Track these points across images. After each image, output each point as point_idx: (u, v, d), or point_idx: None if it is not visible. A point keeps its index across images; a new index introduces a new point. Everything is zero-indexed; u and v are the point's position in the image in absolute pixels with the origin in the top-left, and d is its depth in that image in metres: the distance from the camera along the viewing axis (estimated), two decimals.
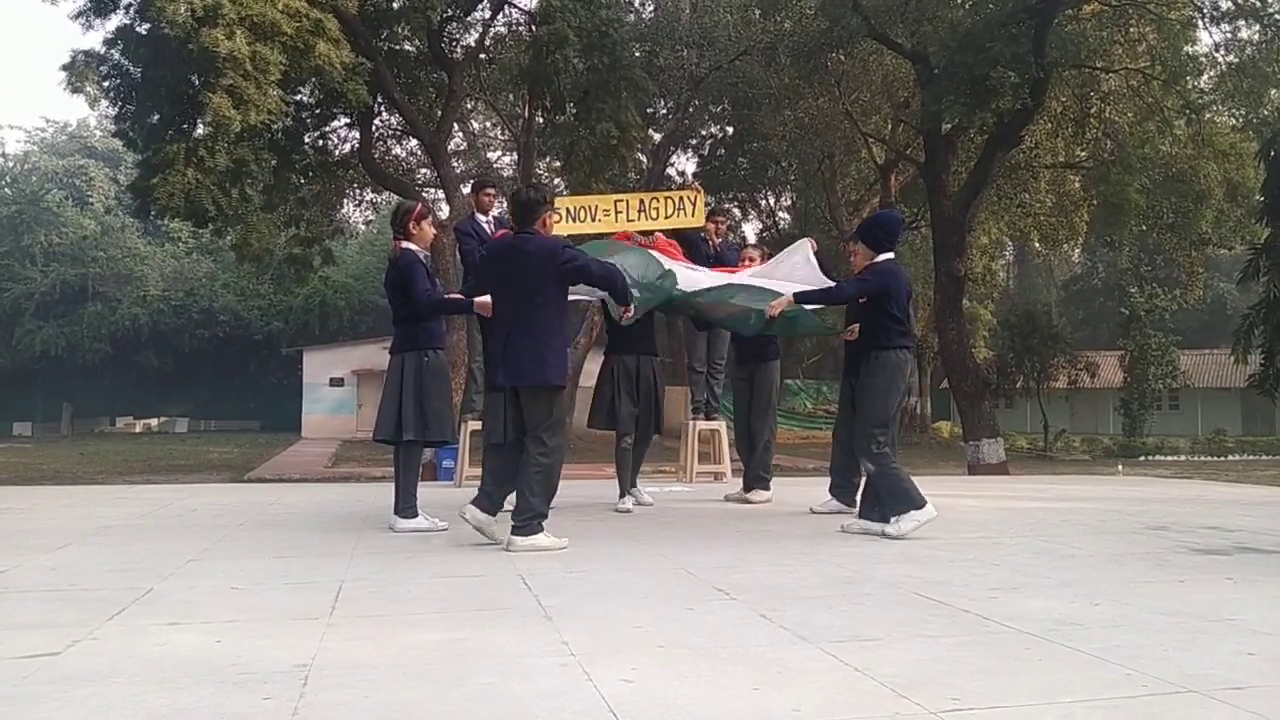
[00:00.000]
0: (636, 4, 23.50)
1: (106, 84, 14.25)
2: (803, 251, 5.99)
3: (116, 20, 13.66)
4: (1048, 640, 2.78)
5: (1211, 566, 4.13)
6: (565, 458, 4.58)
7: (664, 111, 25.11)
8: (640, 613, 3.13)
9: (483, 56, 20.13)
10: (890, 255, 5.09)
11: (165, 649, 2.68)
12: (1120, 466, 13.75)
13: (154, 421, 39.04)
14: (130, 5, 13.18)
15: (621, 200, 7.61)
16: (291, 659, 2.55)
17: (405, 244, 4.94)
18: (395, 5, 17.47)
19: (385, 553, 4.31)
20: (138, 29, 13.42)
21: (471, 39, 19.99)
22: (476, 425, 8.24)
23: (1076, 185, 22.55)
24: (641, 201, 7.51)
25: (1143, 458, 23.56)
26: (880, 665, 2.50)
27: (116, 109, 14.47)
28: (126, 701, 2.21)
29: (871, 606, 3.26)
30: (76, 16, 13.60)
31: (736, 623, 3.01)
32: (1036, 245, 30.11)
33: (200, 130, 12.80)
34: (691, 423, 8.09)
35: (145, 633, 2.86)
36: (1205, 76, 18.52)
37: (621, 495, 6.02)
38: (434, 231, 5.15)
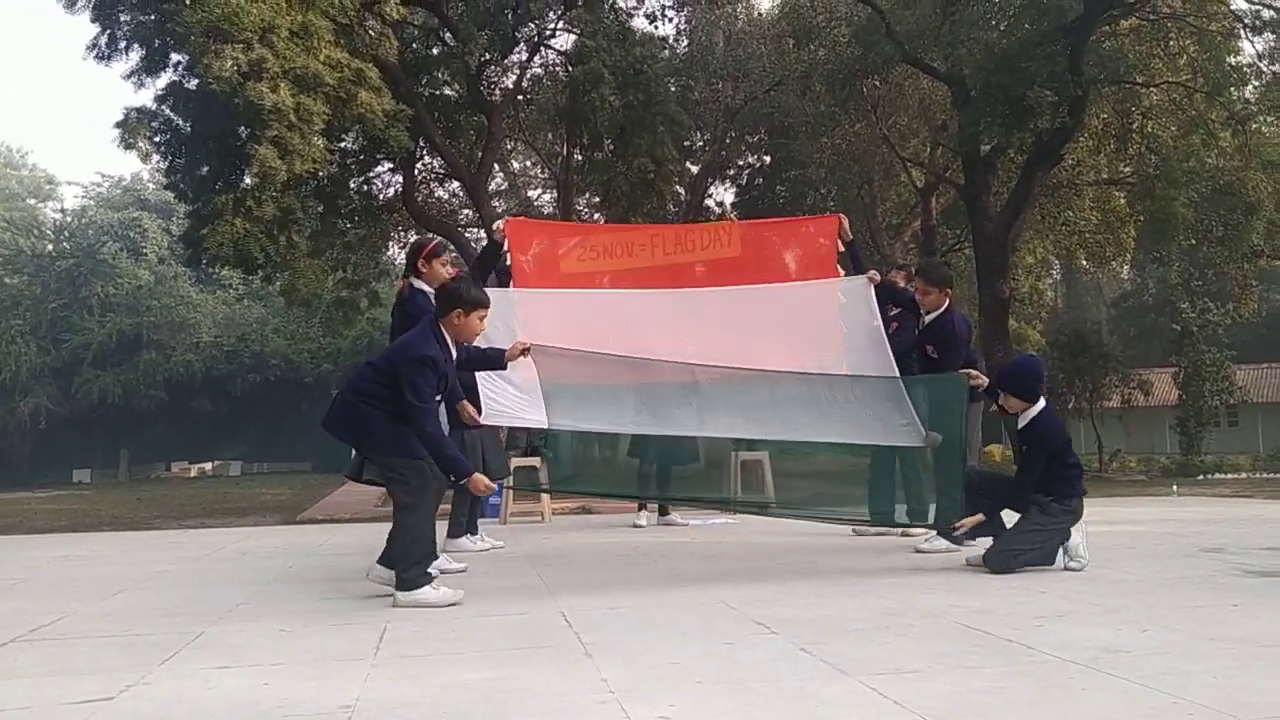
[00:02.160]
0: (670, 40, 23.75)
1: (158, 139, 14.68)
2: (863, 300, 5.53)
3: (166, 78, 14.10)
4: (1092, 669, 2.74)
5: (1266, 590, 4.03)
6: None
7: (701, 144, 25.25)
8: (679, 648, 3.14)
9: (521, 98, 20.46)
10: (1044, 403, 4.84)
11: (214, 692, 2.74)
12: (1175, 487, 13.42)
13: (208, 465, 39.77)
14: (179, 63, 13.60)
15: (658, 234, 7.64)
16: (337, 700, 2.60)
17: (416, 283, 4.87)
18: (434, 51, 17.90)
19: None
20: (186, 85, 13.83)
21: (509, 81, 20.35)
22: (522, 461, 8.37)
23: (1121, 201, 22.25)
24: (678, 234, 7.54)
25: (1201, 476, 22.91)
26: (920, 698, 2.48)
27: (167, 163, 14.90)
28: None
29: (913, 638, 3.24)
30: (128, 76, 14.05)
31: (775, 657, 3.00)
32: (1083, 263, 29.70)
33: (248, 181, 13.12)
34: (734, 454, 8.08)
35: (195, 676, 2.93)
36: (1250, 87, 18.23)
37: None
38: (449, 272, 4.94)
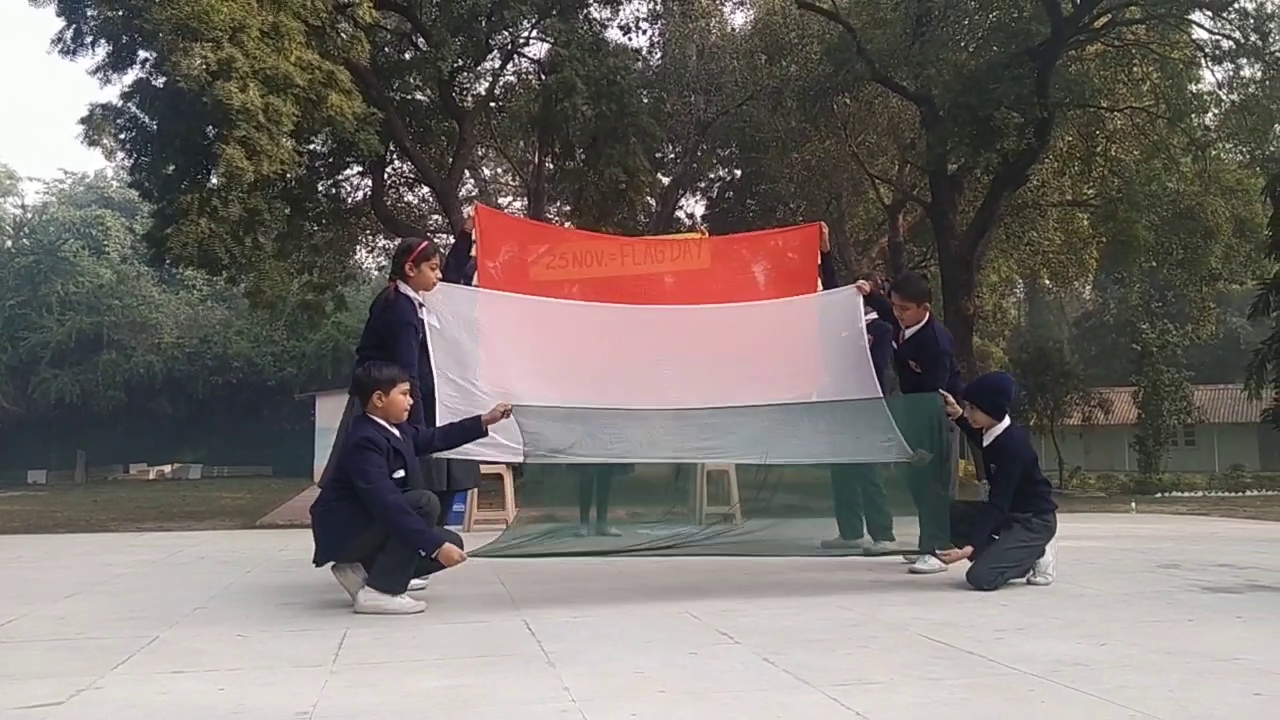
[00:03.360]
0: (644, 51, 23.86)
1: (123, 136, 14.51)
2: (849, 312, 5.45)
3: (133, 75, 13.97)
4: (1052, 681, 2.76)
5: (1221, 605, 4.09)
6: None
7: (672, 156, 25.38)
8: (642, 658, 3.12)
9: (493, 105, 20.45)
10: (1009, 421, 4.86)
11: (168, 697, 2.69)
12: (1133, 504, 13.62)
13: (168, 468, 39.21)
14: (146, 60, 13.47)
15: (628, 245, 7.60)
16: (293, 706, 2.56)
17: (403, 288, 4.59)
18: (407, 56, 17.86)
19: None
20: (154, 83, 13.70)
21: (482, 88, 20.36)
22: (485, 469, 8.28)
23: (1085, 223, 22.66)
24: (648, 246, 7.50)
25: (1159, 494, 23.28)
26: (881, 709, 2.48)
27: (132, 160, 14.73)
28: None
29: (876, 649, 3.25)
30: (95, 71, 13.89)
31: (738, 666, 3.00)
32: (1047, 283, 30.15)
33: (214, 181, 13.00)
34: (700, 464, 8.06)
35: (149, 681, 2.87)
36: (1210, 114, 18.65)
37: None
38: (436, 276, 4.70)
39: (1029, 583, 4.60)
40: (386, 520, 3.88)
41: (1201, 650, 3.18)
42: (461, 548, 4.09)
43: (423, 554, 3.98)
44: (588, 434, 4.82)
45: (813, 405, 5.24)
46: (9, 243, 41.98)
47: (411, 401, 4.22)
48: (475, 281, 5.26)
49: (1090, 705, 2.52)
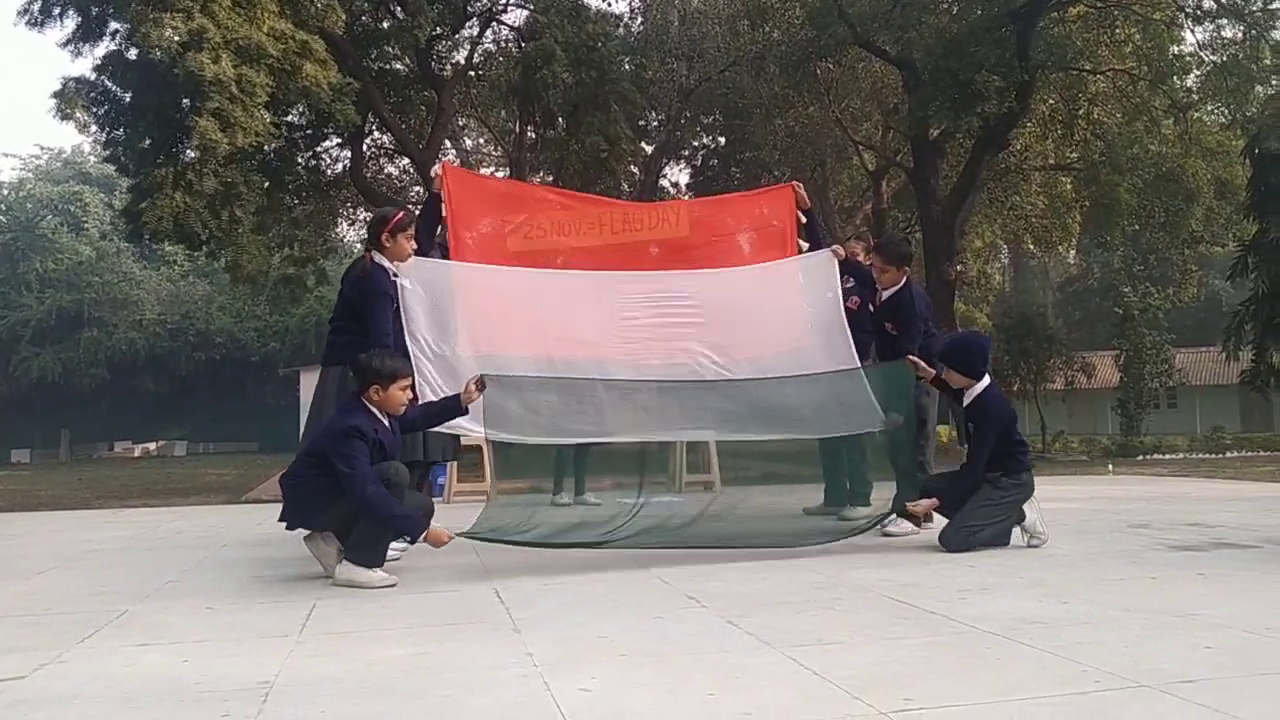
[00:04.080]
0: (625, 18, 23.64)
1: (97, 110, 14.32)
2: (826, 277, 5.43)
3: (105, 47, 13.77)
4: (1010, 639, 2.79)
5: (1185, 563, 4.14)
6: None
7: (655, 123, 25.21)
8: (608, 622, 3.15)
9: (472, 73, 20.26)
10: (989, 380, 4.85)
11: (131, 669, 2.69)
12: (1110, 466, 13.74)
13: (152, 445, 39.07)
14: (117, 32, 13.27)
15: (605, 211, 7.50)
16: (256, 676, 2.57)
17: (378, 259, 4.54)
18: (384, 25, 17.63)
19: None
20: (126, 55, 13.51)
21: (460, 56, 20.15)
22: (465, 440, 8.27)
23: (1068, 187, 22.64)
24: (625, 213, 7.42)
25: (1141, 457, 23.50)
26: (839, 668, 2.51)
27: (106, 134, 14.55)
28: None
29: (840, 610, 3.28)
30: (65, 44, 13.70)
31: (702, 630, 3.02)
32: (1031, 248, 30.17)
33: (189, 154, 12.86)
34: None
35: (114, 654, 2.88)
36: (1191, 76, 18.63)
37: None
38: (412, 246, 4.67)
39: (1029, 546, 4.61)
40: (371, 510, 3.88)
41: (1161, 607, 3.22)
42: (431, 515, 4.11)
43: (409, 541, 3.96)
44: (562, 406, 4.82)
45: (789, 378, 5.24)
46: None
47: (410, 398, 4.19)
48: (445, 241, 5.22)
49: (1044, 660, 2.56)
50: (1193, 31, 17.87)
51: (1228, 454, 25.60)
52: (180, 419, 41.05)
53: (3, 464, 34.27)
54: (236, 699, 2.37)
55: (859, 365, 5.21)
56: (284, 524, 4.14)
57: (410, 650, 2.83)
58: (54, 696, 2.44)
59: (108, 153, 15.96)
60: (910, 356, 5.02)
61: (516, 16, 19.13)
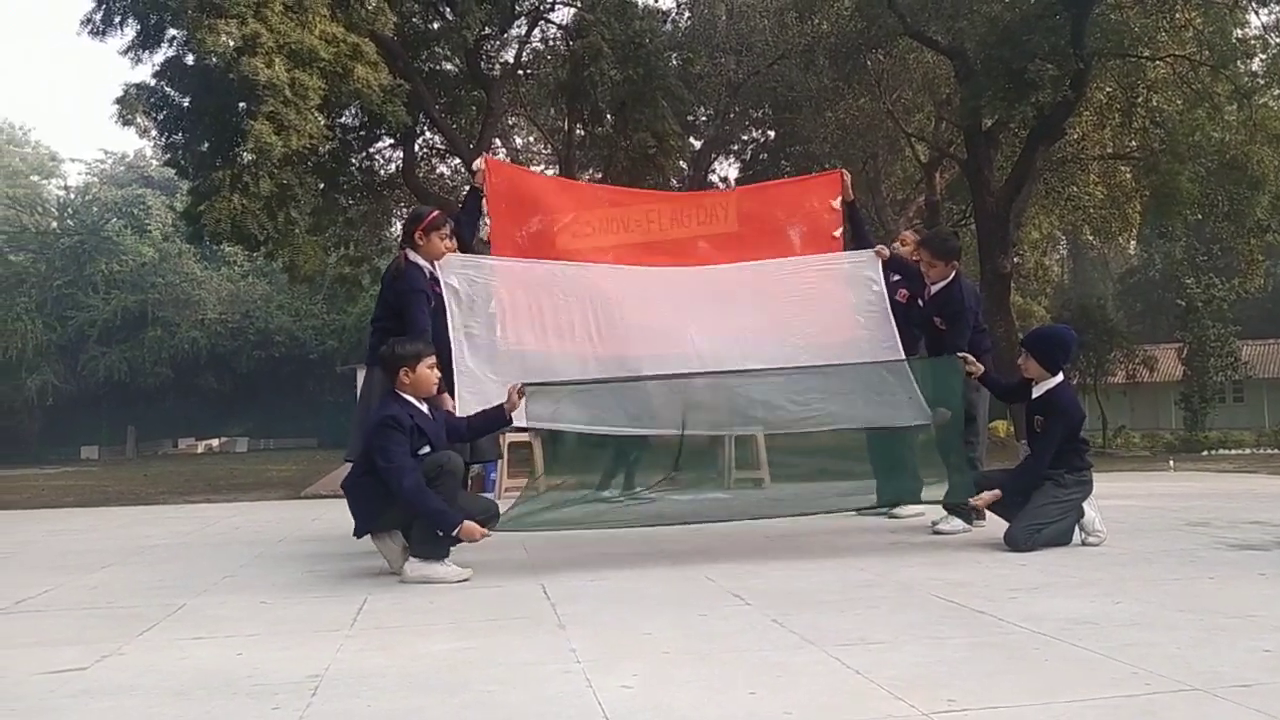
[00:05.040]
0: (672, 13, 23.59)
1: (157, 115, 14.67)
2: (871, 275, 5.42)
3: (163, 53, 14.10)
4: (1059, 640, 2.75)
5: (1245, 562, 4.03)
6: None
7: (704, 118, 25.12)
8: (652, 619, 3.16)
9: (520, 72, 20.38)
10: (1062, 377, 4.78)
11: (186, 662, 2.77)
12: (1171, 462, 13.41)
13: (215, 442, 40.00)
14: (174, 39, 13.59)
15: (653, 208, 7.48)
16: (306, 670, 2.63)
17: (412, 256, 4.58)
18: (434, 26, 17.81)
19: None
20: (184, 61, 13.83)
21: (509, 56, 20.27)
22: (515, 437, 8.33)
23: (1127, 176, 22.10)
24: (674, 209, 7.39)
25: (1206, 452, 22.93)
26: (881, 667, 2.49)
27: (166, 138, 14.90)
28: (141, 713, 2.30)
29: (886, 609, 3.25)
30: (125, 51, 14.05)
31: (745, 628, 3.02)
32: (1090, 238, 29.53)
33: (245, 157, 13.13)
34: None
35: (170, 647, 2.96)
36: (1256, 60, 18.05)
37: None
38: (448, 245, 4.71)
39: (1084, 544, 4.53)
40: (406, 500, 3.92)
41: (1214, 608, 3.15)
42: (496, 518, 4.16)
43: (441, 534, 4.00)
44: (608, 402, 4.85)
45: (835, 368, 5.20)
46: (54, 224, 42.79)
47: (439, 375, 4.25)
48: (485, 237, 5.27)
49: (1092, 662, 2.51)
50: (1257, 14, 17.33)
51: None
52: (242, 416, 41.98)
53: (73, 460, 35.34)
54: (286, 691, 2.42)
55: (904, 359, 5.16)
56: (355, 535, 4.18)
57: (455, 645, 2.87)
58: (113, 688, 2.52)
59: (167, 156, 16.33)
60: (961, 354, 4.95)
61: (564, 15, 19.20)
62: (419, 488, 3.90)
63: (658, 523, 4.66)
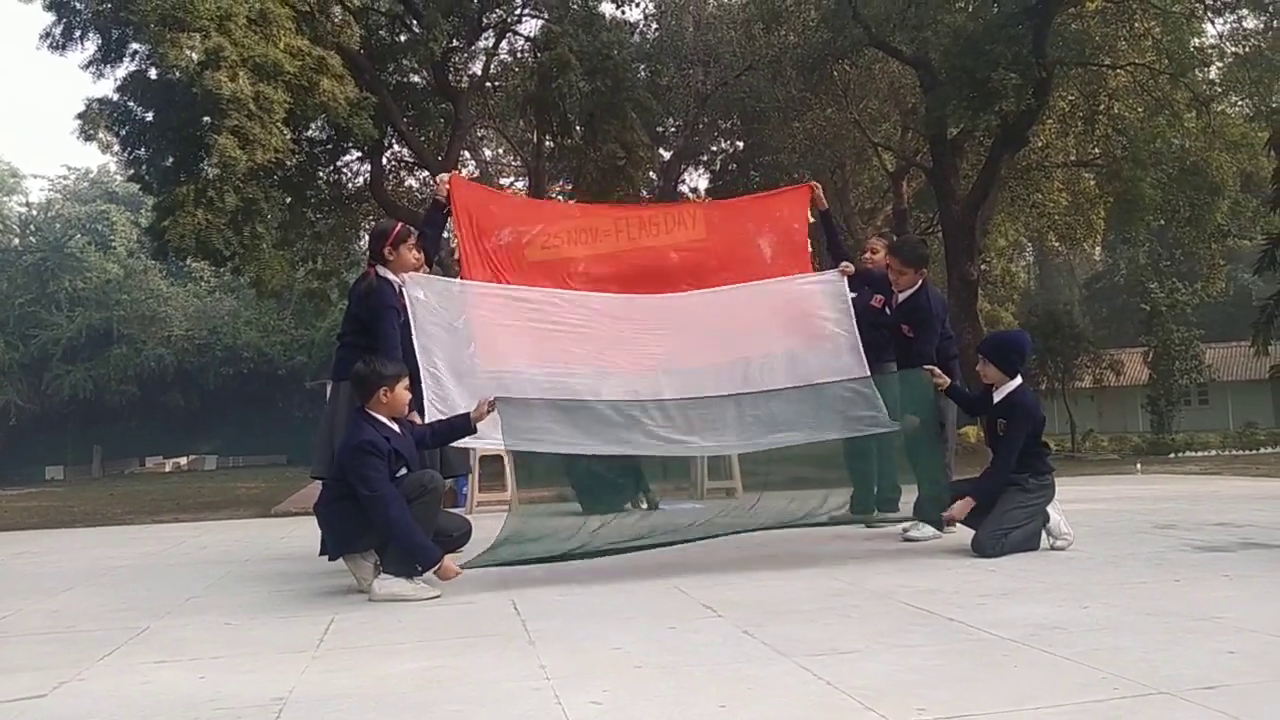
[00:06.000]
0: (640, 25, 23.65)
1: (120, 130, 14.49)
2: (836, 297, 5.46)
3: (125, 68, 13.93)
4: (1028, 646, 2.76)
5: (1210, 564, 4.07)
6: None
7: (673, 129, 25.19)
8: (623, 633, 3.14)
9: (488, 84, 20.33)
10: (1020, 380, 4.82)
11: (148, 687, 2.71)
12: (1139, 465, 13.57)
13: (183, 460, 39.50)
14: (137, 53, 13.44)
15: (621, 218, 7.46)
16: (270, 692, 2.58)
17: (382, 272, 4.54)
18: (400, 38, 17.75)
19: None
20: (146, 75, 13.67)
21: (477, 68, 20.21)
22: (486, 451, 8.28)
23: (1091, 183, 22.44)
24: (641, 219, 7.38)
25: (1172, 455, 23.20)
26: (853, 677, 2.49)
27: (129, 154, 14.72)
28: None
29: (857, 618, 3.25)
30: (87, 66, 13.87)
31: (717, 640, 3.01)
32: (1055, 245, 29.88)
33: (209, 172, 12.99)
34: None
35: (132, 672, 2.90)
36: (1213, 68, 18.40)
37: None
38: (416, 257, 4.68)
39: (1053, 549, 4.56)
40: (388, 533, 3.89)
41: (1184, 610, 3.17)
42: (469, 536, 4.25)
43: (420, 569, 3.97)
44: (572, 427, 4.84)
45: (804, 388, 5.22)
46: (15, 241, 42.19)
47: (411, 395, 4.23)
48: (445, 259, 5.27)
49: (1062, 668, 2.52)
50: (1213, 23, 17.68)
51: (1261, 450, 25.21)
52: (210, 433, 41.49)
53: (37, 480, 34.76)
54: (250, 715, 2.38)
55: (869, 375, 5.20)
56: (325, 556, 4.13)
57: (424, 664, 2.84)
58: (70, 715, 2.46)
59: (131, 172, 16.15)
60: (927, 366, 4.99)
61: (531, 27, 19.19)
62: (404, 520, 3.86)
63: (639, 546, 4.63)
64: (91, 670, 2.93)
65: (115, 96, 14.18)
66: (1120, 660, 2.55)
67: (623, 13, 20.69)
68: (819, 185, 5.90)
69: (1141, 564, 4.14)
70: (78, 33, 13.46)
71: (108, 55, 13.50)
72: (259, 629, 3.49)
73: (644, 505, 7.12)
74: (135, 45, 13.28)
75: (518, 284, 5.38)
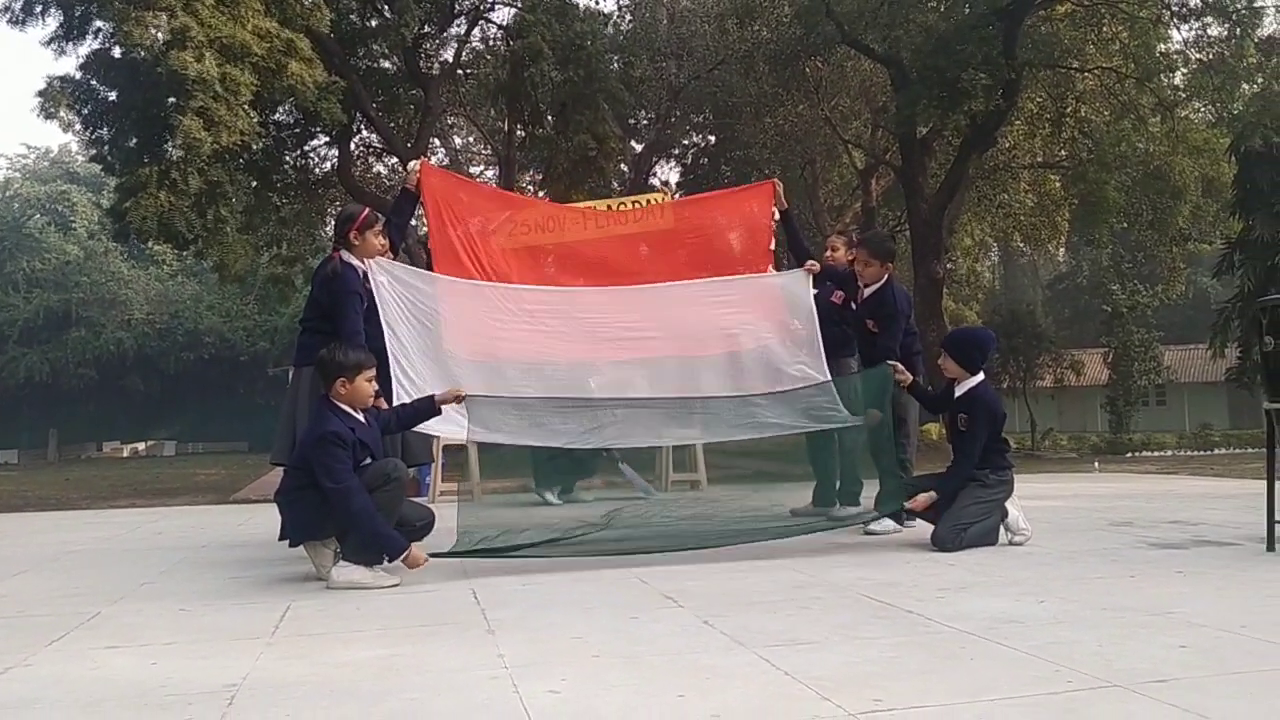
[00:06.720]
0: (614, 16, 23.58)
1: (82, 109, 14.22)
2: (800, 296, 5.44)
3: (89, 45, 13.67)
4: (984, 639, 2.78)
5: (1164, 560, 4.14)
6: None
7: (645, 122, 25.16)
8: (583, 623, 3.13)
9: (460, 72, 20.19)
10: (982, 377, 4.85)
11: (97, 673, 2.66)
12: (1096, 464, 13.78)
13: (141, 445, 38.90)
14: (100, 30, 13.18)
15: (590, 209, 7.47)
16: (222, 680, 2.54)
17: (346, 257, 4.49)
18: (371, 23, 17.56)
19: None
20: (110, 53, 13.42)
21: (448, 55, 20.07)
22: (449, 440, 8.23)
23: (1056, 185, 22.70)
24: (609, 207, 7.38)
25: (1129, 454, 23.58)
26: (810, 668, 2.49)
27: (91, 133, 14.44)
28: None
29: (816, 610, 3.26)
30: (48, 43, 13.59)
31: (677, 630, 3.00)
32: (1020, 245, 30.23)
33: (174, 153, 12.78)
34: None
35: (81, 657, 2.84)
36: (1178, 74, 18.66)
37: None
38: (381, 243, 4.63)
39: (1011, 544, 4.61)
40: (353, 525, 3.84)
41: (1138, 605, 3.22)
42: (431, 526, 4.17)
43: (388, 560, 3.94)
44: (534, 424, 4.84)
45: (769, 394, 5.24)
46: None
47: (376, 388, 4.17)
48: (412, 247, 5.23)
49: (1018, 661, 2.55)
50: (1179, 29, 17.91)
51: (1216, 451, 25.72)
52: (169, 419, 40.90)
53: None
54: (201, 703, 2.34)
55: (829, 378, 5.22)
56: (285, 541, 4.08)
57: (381, 652, 2.81)
58: (17, 701, 2.41)
59: (93, 152, 15.86)
60: (890, 361, 5.02)
61: (504, 15, 19.07)
62: (368, 511, 3.82)
63: (614, 551, 4.61)
64: (39, 656, 2.87)
65: (78, 75, 13.91)
66: (1075, 654, 2.58)
67: (596, 3, 20.69)
68: (780, 184, 5.90)
69: (1097, 560, 4.20)
70: (39, 8, 13.18)
71: (70, 32, 13.23)
72: (213, 615, 3.44)
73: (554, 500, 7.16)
74: (99, 22, 13.03)
75: (488, 270, 5.36)
